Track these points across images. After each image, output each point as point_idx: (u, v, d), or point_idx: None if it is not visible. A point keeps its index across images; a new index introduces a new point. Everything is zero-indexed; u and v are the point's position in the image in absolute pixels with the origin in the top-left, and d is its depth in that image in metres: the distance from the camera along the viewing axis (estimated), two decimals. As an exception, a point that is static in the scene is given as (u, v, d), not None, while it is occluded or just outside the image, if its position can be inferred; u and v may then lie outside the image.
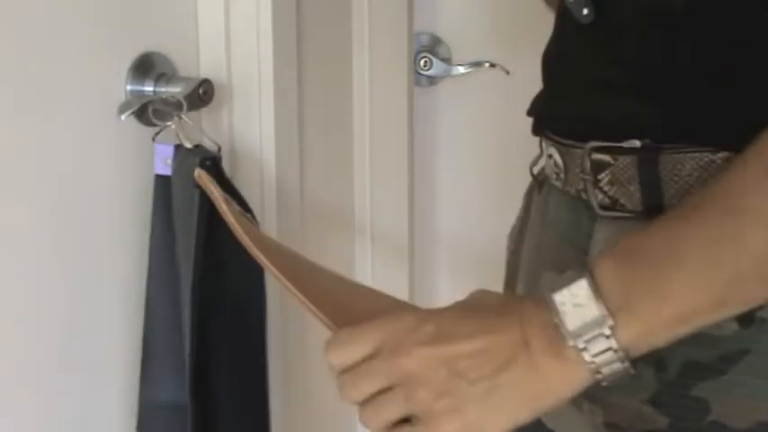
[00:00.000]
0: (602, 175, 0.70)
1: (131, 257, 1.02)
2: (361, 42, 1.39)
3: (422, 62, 1.51)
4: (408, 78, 1.45)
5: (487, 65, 1.51)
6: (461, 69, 1.52)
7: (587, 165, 0.71)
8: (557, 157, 0.77)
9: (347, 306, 0.71)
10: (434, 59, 1.51)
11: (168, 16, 1.04)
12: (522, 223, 0.90)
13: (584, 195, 0.73)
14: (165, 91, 0.99)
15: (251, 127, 1.10)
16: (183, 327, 0.98)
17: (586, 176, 0.72)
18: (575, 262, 0.71)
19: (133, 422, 1.03)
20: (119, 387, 1.02)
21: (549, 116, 0.81)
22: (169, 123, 0.97)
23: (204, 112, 1.05)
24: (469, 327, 0.62)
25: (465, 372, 0.61)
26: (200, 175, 0.90)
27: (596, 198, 0.71)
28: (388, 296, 0.73)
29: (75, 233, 0.95)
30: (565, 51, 0.80)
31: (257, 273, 1.00)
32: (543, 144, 0.83)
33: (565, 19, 0.78)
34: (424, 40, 1.52)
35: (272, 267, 0.71)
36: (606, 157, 0.70)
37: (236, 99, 1.09)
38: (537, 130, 0.84)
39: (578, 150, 0.73)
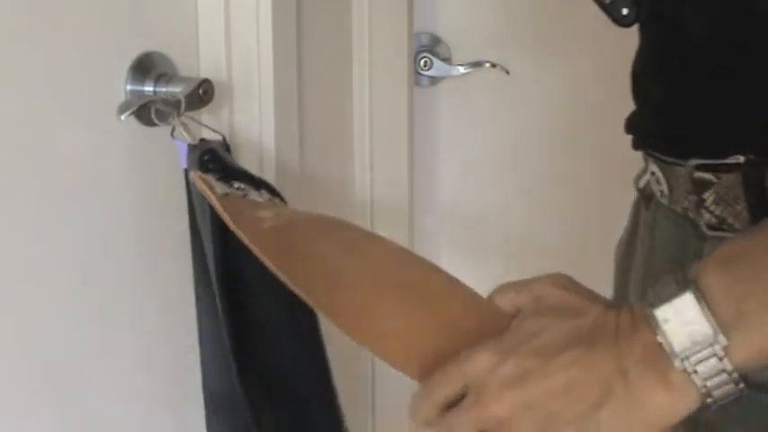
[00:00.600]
0: (707, 194, 0.67)
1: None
2: (361, 42, 1.39)
3: (422, 62, 1.51)
4: (408, 78, 1.45)
5: (487, 65, 1.51)
6: (461, 69, 1.52)
7: (690, 184, 0.68)
8: (659, 174, 0.74)
9: (363, 301, 0.64)
10: (434, 59, 1.51)
11: (168, 16, 1.04)
12: (631, 236, 0.86)
13: (690, 214, 0.70)
14: (165, 91, 0.99)
15: (251, 127, 1.10)
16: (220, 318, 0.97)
17: (691, 196, 0.68)
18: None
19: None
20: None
21: (645, 133, 0.77)
22: (173, 123, 0.97)
23: (204, 111, 1.05)
24: (557, 360, 0.56)
25: (559, 412, 0.56)
26: (196, 180, 0.89)
27: (703, 218, 0.68)
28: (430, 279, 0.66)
29: (76, 232, 0.95)
30: (648, 65, 0.76)
31: None
32: (646, 159, 0.79)
33: (643, 31, 0.74)
34: (424, 40, 1.52)
35: (276, 270, 0.67)
36: (708, 176, 0.67)
37: (236, 99, 1.09)
38: (637, 145, 0.80)
39: (681, 168, 0.70)
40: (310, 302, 0.64)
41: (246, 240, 0.72)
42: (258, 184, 0.94)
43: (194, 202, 0.98)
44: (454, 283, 0.67)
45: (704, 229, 0.68)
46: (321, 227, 0.75)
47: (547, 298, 0.62)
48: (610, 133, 1.53)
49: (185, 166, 0.99)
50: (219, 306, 0.95)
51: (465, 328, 0.63)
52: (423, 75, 1.52)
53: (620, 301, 0.86)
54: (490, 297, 0.65)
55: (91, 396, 0.99)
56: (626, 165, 1.53)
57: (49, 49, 0.90)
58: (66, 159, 0.93)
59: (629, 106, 1.58)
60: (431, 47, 1.52)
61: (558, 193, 1.57)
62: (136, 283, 1.02)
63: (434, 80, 1.54)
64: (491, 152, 1.57)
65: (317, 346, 1.00)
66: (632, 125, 0.80)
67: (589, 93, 1.52)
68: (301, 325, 0.99)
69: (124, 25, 0.98)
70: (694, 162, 0.67)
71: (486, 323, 0.62)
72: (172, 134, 0.98)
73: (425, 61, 1.51)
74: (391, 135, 1.44)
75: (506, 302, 0.64)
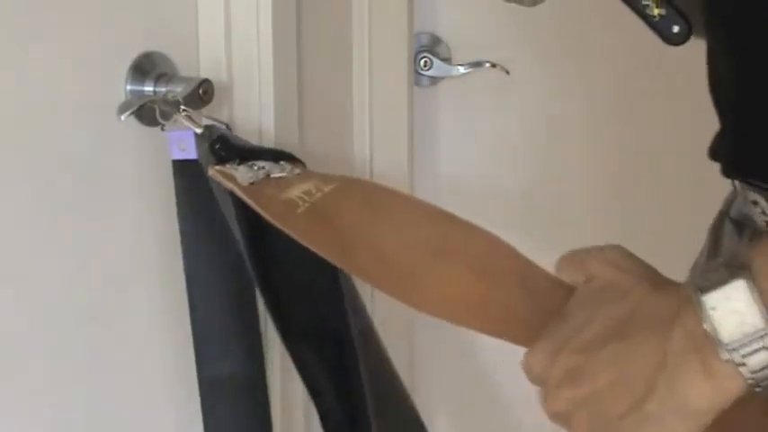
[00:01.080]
0: None
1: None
2: (361, 42, 1.39)
3: (422, 62, 1.51)
4: (408, 78, 1.45)
5: (487, 65, 1.51)
6: (461, 69, 1.52)
7: None
8: (764, 204, 0.68)
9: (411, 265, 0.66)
10: (434, 59, 1.51)
11: (168, 16, 1.04)
12: (710, 260, 0.81)
13: None
14: (165, 91, 0.99)
15: (251, 127, 1.10)
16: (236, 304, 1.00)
17: None
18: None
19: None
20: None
21: (741, 160, 0.70)
22: (172, 120, 0.97)
23: (204, 111, 1.05)
24: (599, 357, 0.55)
25: (611, 408, 0.55)
26: (216, 176, 0.89)
27: None
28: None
29: (77, 231, 0.95)
30: (742, 85, 0.68)
31: None
32: (739, 186, 0.73)
33: (737, 46, 0.66)
34: (424, 40, 1.52)
35: (311, 245, 0.68)
36: None
37: (236, 99, 1.09)
38: (728, 174, 0.73)
39: None
40: (362, 279, 0.66)
41: (285, 229, 0.72)
42: (276, 156, 0.93)
43: (214, 190, 0.97)
44: (495, 242, 0.69)
45: None
46: (355, 198, 0.75)
47: (597, 278, 0.60)
48: (610, 133, 1.54)
49: (176, 156, 0.99)
50: (258, 283, 0.95)
51: (508, 281, 0.64)
52: (423, 75, 1.52)
53: None
54: (557, 271, 0.64)
55: (91, 396, 0.99)
56: (626, 164, 1.54)
57: (49, 49, 0.90)
58: (66, 159, 0.93)
59: (629, 106, 1.59)
60: (431, 47, 1.52)
61: (558, 194, 1.57)
62: (136, 283, 1.02)
63: (434, 80, 1.53)
64: (491, 152, 1.57)
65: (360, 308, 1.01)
66: (720, 152, 0.73)
67: (590, 93, 1.52)
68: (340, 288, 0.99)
69: (124, 25, 0.98)
70: None
71: (527, 273, 0.64)
72: (162, 128, 0.98)
73: (425, 61, 1.51)
74: (391, 135, 1.44)
75: (566, 278, 0.62)
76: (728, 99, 0.70)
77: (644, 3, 0.64)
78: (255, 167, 0.89)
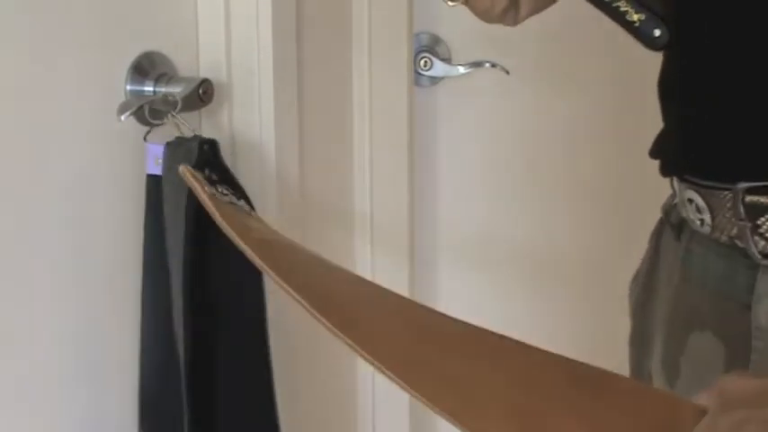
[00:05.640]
0: (763, 219, 0.63)
1: (131, 258, 1.02)
2: (360, 42, 1.39)
3: (422, 62, 1.51)
4: (408, 78, 1.45)
5: (487, 65, 1.51)
6: (461, 69, 1.52)
7: (740, 209, 0.64)
8: (699, 201, 0.68)
9: (351, 302, 0.64)
10: (434, 59, 1.51)
11: (168, 16, 1.04)
12: (651, 268, 0.81)
13: (739, 243, 0.66)
14: (164, 91, 1.00)
15: (251, 127, 1.10)
16: (176, 327, 0.98)
17: (741, 222, 0.65)
18: (734, 319, 0.62)
19: (133, 422, 1.03)
20: (117, 387, 1.03)
21: (681, 156, 0.71)
22: (162, 122, 0.97)
23: (204, 111, 1.05)
24: None
25: None
26: (185, 172, 0.88)
27: (756, 246, 0.64)
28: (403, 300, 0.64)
29: (75, 233, 0.95)
30: (681, 80, 0.70)
31: (254, 268, 0.99)
32: (677, 186, 0.73)
33: (682, 43, 0.67)
34: (424, 40, 1.52)
35: (264, 266, 0.67)
36: (763, 199, 0.63)
37: (236, 99, 1.09)
38: (666, 171, 0.74)
39: (726, 193, 0.65)
40: (305, 306, 0.64)
41: (240, 244, 0.71)
42: (241, 194, 0.93)
43: (166, 201, 0.98)
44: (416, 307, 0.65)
45: (757, 258, 0.65)
46: (306, 253, 0.75)
47: (732, 390, 0.56)
48: (611, 134, 1.54)
49: (150, 171, 0.99)
50: (182, 305, 0.95)
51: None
52: (423, 75, 1.52)
53: (642, 335, 0.82)
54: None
55: (86, 397, 0.99)
56: (627, 165, 1.54)
57: (50, 50, 0.90)
58: (65, 159, 0.93)
59: (630, 106, 1.59)
60: (431, 47, 1.52)
61: (557, 194, 1.57)
62: (136, 282, 1.03)
63: (434, 80, 1.54)
64: (491, 152, 1.57)
65: (265, 360, 1.02)
66: (661, 149, 0.74)
67: (589, 93, 1.53)
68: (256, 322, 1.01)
69: (124, 25, 0.98)
70: (744, 185, 0.64)
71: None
72: (145, 138, 0.98)
73: (425, 61, 1.51)
74: (391, 135, 1.44)
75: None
76: (673, 92, 0.70)
77: (622, 10, 0.64)
78: (220, 191, 0.89)
